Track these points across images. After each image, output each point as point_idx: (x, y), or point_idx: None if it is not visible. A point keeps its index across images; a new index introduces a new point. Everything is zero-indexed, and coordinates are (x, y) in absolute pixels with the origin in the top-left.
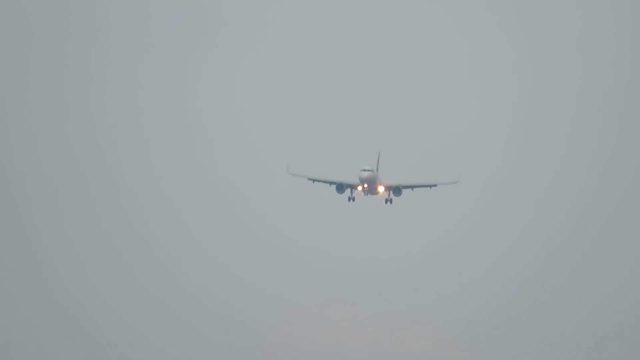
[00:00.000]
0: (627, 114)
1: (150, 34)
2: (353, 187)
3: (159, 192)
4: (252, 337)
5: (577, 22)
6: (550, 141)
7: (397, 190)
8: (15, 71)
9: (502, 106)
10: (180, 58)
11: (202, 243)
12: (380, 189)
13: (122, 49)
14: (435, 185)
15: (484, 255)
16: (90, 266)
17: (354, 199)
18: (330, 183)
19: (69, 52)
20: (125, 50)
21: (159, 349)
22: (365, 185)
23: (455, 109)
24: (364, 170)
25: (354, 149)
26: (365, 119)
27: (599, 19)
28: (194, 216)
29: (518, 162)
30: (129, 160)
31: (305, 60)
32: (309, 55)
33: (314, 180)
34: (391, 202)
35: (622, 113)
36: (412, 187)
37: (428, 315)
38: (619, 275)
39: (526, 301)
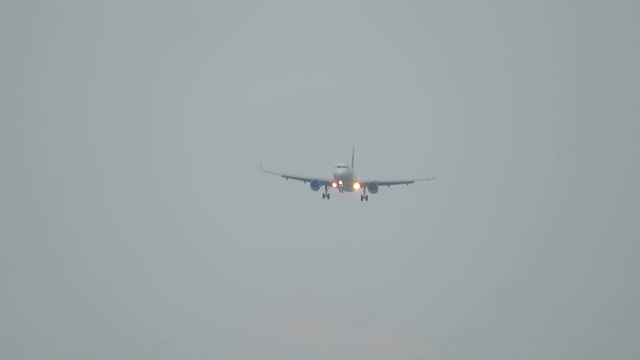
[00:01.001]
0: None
1: (112, 32)
2: (328, 183)
3: (128, 190)
4: (224, 335)
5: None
6: (530, 135)
7: (372, 187)
8: None
9: (478, 100)
10: (147, 57)
11: (174, 242)
12: (356, 185)
13: (82, 46)
14: (412, 182)
15: (462, 251)
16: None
17: (329, 196)
18: (305, 180)
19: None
20: (86, 48)
21: (133, 344)
22: (341, 182)
23: (430, 103)
24: (339, 167)
25: (328, 145)
26: (339, 114)
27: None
28: (164, 214)
29: (496, 156)
30: (92, 157)
31: (276, 57)
32: (280, 51)
33: (287, 177)
34: (367, 199)
35: (600, 101)
36: (388, 183)
37: (402, 313)
38: (601, 269)
39: (504, 297)
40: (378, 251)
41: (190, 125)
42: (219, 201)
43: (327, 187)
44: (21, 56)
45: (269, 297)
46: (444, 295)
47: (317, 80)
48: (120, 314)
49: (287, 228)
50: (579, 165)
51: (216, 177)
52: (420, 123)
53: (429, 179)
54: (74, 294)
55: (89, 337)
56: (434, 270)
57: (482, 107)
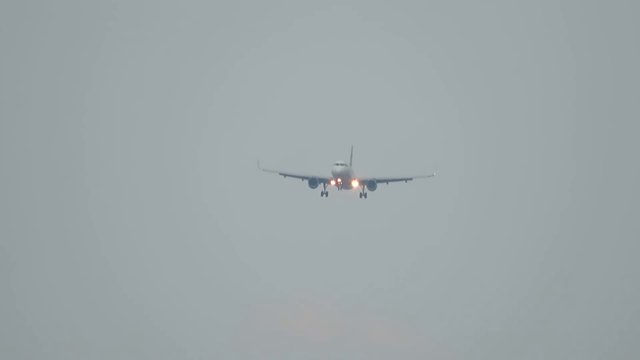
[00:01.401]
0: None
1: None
2: (326, 181)
3: (126, 188)
4: (221, 331)
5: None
6: (530, 132)
7: (371, 184)
8: None
9: (478, 96)
10: (150, 55)
11: (172, 239)
12: (355, 183)
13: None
14: (411, 179)
15: (461, 248)
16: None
17: (327, 194)
18: (303, 178)
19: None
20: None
21: (129, 341)
22: (339, 180)
23: (429, 100)
24: (338, 164)
25: (326, 143)
26: (337, 112)
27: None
28: (161, 212)
29: (495, 153)
30: (94, 157)
31: (274, 55)
32: (279, 49)
33: (285, 175)
34: (366, 197)
35: (600, 105)
36: (387, 181)
37: (401, 310)
38: (606, 266)
39: (504, 294)
40: (377, 249)
41: (187, 123)
42: (217, 199)
43: (326, 184)
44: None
45: (267, 295)
46: (444, 293)
47: (315, 78)
48: (118, 308)
49: (286, 226)
50: (583, 164)
51: (214, 175)
52: (418, 120)
53: (428, 176)
54: (76, 288)
55: (90, 330)
56: (433, 267)
57: (482, 104)
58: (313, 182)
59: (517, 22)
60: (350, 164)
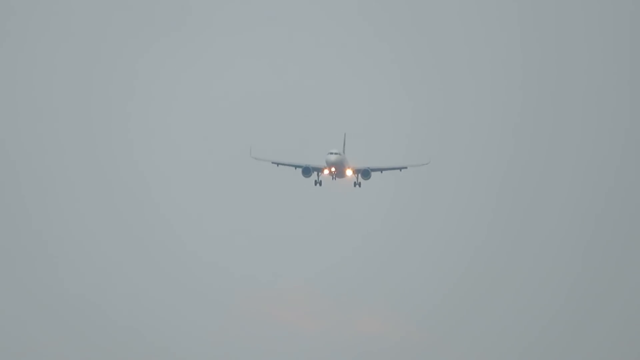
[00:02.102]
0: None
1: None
2: (320, 170)
3: (114, 179)
4: (212, 325)
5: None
6: (526, 118)
7: (365, 173)
8: None
9: (474, 84)
10: (134, 43)
11: (165, 229)
12: (349, 172)
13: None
14: (406, 168)
15: (455, 238)
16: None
17: (320, 183)
18: (296, 166)
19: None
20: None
21: (119, 331)
22: (333, 169)
23: (422, 88)
24: (331, 153)
25: (318, 131)
26: (329, 100)
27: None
28: (151, 202)
29: (489, 142)
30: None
31: (266, 43)
32: (270, 37)
33: (278, 164)
34: (360, 186)
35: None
36: (381, 169)
37: (395, 300)
38: (584, 258)
39: (495, 284)
40: (372, 238)
41: (177, 111)
42: (207, 189)
43: (319, 173)
44: None
45: (257, 286)
46: (437, 282)
47: (306, 65)
48: (106, 303)
49: (279, 215)
50: (573, 160)
51: (205, 164)
52: (411, 108)
53: (423, 165)
54: (60, 293)
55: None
56: (428, 256)
57: (475, 93)
58: (307, 171)
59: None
60: (344, 152)
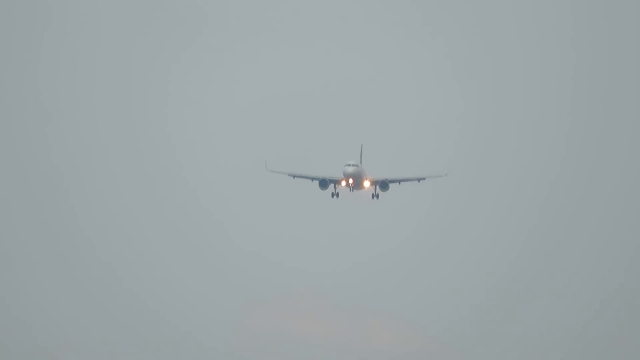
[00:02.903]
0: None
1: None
2: (337, 182)
3: (132, 189)
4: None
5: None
6: (542, 132)
7: (383, 184)
8: None
9: (491, 96)
10: (148, 52)
11: (181, 244)
12: (366, 183)
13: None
14: (424, 179)
15: (474, 250)
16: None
17: (337, 195)
18: (313, 179)
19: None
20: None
21: (131, 333)
22: (351, 181)
23: (440, 99)
24: (349, 165)
25: (334, 143)
26: (346, 110)
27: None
28: (168, 214)
29: (509, 153)
30: (103, 157)
31: (282, 54)
32: (287, 48)
33: (294, 177)
34: (378, 197)
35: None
36: (399, 181)
37: (414, 313)
38: (613, 271)
39: (516, 297)
40: (391, 250)
41: (192, 123)
42: (224, 202)
43: (336, 185)
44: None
45: (275, 297)
46: (455, 295)
47: (323, 76)
48: (119, 303)
49: (297, 228)
50: (592, 166)
51: (220, 177)
52: (430, 118)
53: (442, 176)
54: (79, 284)
55: (91, 326)
56: (446, 268)
57: (495, 104)
58: (324, 183)
59: (528, 17)
60: (360, 163)
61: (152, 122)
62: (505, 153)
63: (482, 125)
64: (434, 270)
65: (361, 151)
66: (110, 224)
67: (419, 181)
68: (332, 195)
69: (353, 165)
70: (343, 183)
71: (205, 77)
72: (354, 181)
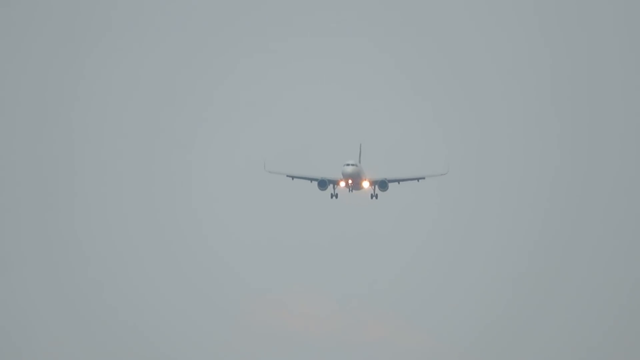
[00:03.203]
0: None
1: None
2: (335, 182)
3: (129, 190)
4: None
5: None
6: (547, 126)
7: (383, 184)
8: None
9: (493, 92)
10: (148, 56)
11: (178, 244)
12: (365, 184)
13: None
14: (424, 178)
15: (474, 249)
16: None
17: (336, 196)
18: (312, 179)
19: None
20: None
21: (129, 332)
22: (350, 181)
23: (438, 98)
24: (348, 164)
25: (332, 143)
26: (344, 110)
27: None
28: (165, 217)
29: (508, 151)
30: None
31: (280, 54)
32: (284, 48)
33: (293, 177)
34: (377, 198)
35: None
36: (398, 180)
37: (413, 313)
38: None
39: (516, 297)
40: (391, 250)
41: (189, 123)
42: (222, 203)
43: (335, 186)
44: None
45: (273, 298)
46: (454, 294)
47: (319, 77)
48: (118, 304)
49: (295, 230)
50: (590, 160)
51: (218, 178)
52: (428, 117)
53: (441, 175)
54: (76, 291)
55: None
56: (446, 267)
57: (493, 100)
58: (322, 183)
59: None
60: (359, 163)
61: (149, 122)
62: (505, 151)
63: (481, 124)
64: (433, 269)
65: (360, 151)
66: (105, 222)
67: (418, 181)
68: (331, 196)
69: (352, 164)
70: (342, 183)
71: (204, 78)
72: (353, 181)
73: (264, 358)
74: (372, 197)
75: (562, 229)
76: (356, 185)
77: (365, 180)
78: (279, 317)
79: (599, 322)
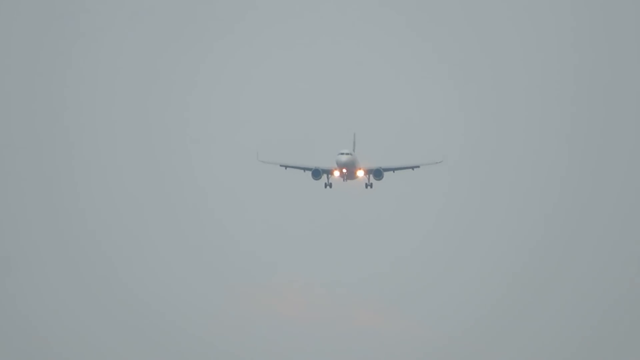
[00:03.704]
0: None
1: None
2: (330, 172)
3: (129, 179)
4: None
5: None
6: (535, 119)
7: (377, 173)
8: None
9: (484, 83)
10: (146, 47)
11: (173, 235)
12: (360, 173)
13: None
14: (418, 167)
15: (470, 240)
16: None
17: (331, 185)
18: (305, 169)
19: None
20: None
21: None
22: (344, 170)
23: (432, 85)
24: (342, 153)
25: (326, 132)
26: (337, 99)
27: None
28: (162, 206)
29: (506, 138)
30: (98, 149)
31: (274, 44)
32: (278, 38)
33: (286, 167)
34: (371, 187)
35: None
36: (393, 169)
37: (405, 300)
38: (613, 265)
39: (513, 285)
40: (386, 239)
41: (180, 115)
42: (215, 193)
43: (329, 175)
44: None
45: (267, 286)
46: (449, 284)
47: (312, 65)
48: (112, 288)
49: (289, 220)
50: (590, 161)
51: (211, 168)
52: (423, 105)
53: (436, 163)
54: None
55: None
56: (441, 257)
57: (489, 90)
58: (316, 173)
59: (521, 12)
60: (354, 152)
61: (139, 113)
62: (500, 139)
63: (477, 112)
64: (428, 259)
65: (354, 140)
66: (102, 211)
67: (413, 169)
68: (325, 185)
69: (347, 153)
70: (336, 173)
71: (198, 69)
72: (347, 170)
73: (261, 349)
74: (366, 186)
75: (559, 218)
76: (350, 175)
77: (360, 169)
78: (270, 307)
79: (599, 319)
